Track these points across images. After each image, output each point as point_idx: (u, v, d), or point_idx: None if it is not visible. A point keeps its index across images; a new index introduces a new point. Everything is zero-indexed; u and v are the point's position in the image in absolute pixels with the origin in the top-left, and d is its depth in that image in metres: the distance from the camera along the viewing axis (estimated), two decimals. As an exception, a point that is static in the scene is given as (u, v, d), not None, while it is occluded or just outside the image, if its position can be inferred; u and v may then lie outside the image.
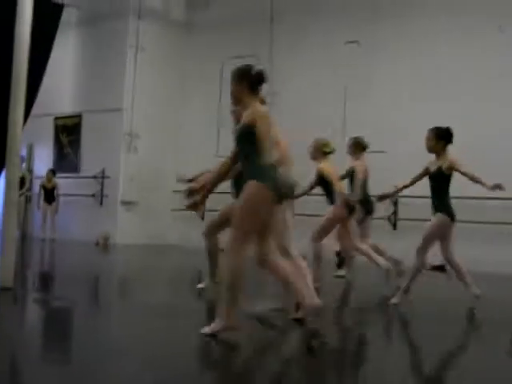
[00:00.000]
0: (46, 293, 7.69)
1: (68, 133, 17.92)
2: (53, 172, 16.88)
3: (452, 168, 7.05)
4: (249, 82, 5.43)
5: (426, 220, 12.60)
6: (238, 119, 6.23)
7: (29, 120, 13.61)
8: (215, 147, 16.92)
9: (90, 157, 17.23)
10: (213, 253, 7.53)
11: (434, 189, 7.20)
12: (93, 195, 16.95)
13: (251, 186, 5.00)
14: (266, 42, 16.09)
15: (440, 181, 7.14)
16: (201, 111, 17.27)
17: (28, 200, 18.44)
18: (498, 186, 6.97)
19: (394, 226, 13.94)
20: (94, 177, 16.90)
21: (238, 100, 5.53)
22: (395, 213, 13.88)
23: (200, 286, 7.64)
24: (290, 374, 4.15)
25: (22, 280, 8.28)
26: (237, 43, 16.51)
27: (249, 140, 5.13)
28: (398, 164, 13.73)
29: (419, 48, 13.98)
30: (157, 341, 4.91)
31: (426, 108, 13.59)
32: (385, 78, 14.26)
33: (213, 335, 4.79)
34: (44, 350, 4.48)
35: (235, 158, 5.48)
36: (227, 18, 16.86)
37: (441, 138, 7.20)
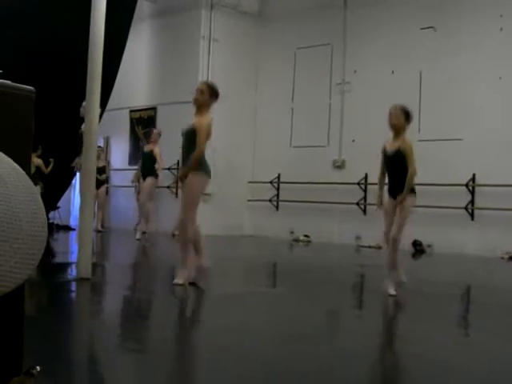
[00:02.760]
0: (125, 283, 7.80)
1: (143, 125, 18.15)
2: None
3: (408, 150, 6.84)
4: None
5: (505, 209, 12.35)
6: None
7: (105, 113, 13.94)
8: (289, 138, 16.92)
9: (165, 149, 17.41)
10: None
11: (396, 169, 6.92)
12: (168, 187, 17.15)
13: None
14: (340, 31, 15.97)
15: (401, 161, 6.86)
16: (275, 102, 17.26)
17: (106, 192, 18.77)
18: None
19: (472, 216, 13.64)
20: (169, 169, 17.09)
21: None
22: (472, 202, 13.58)
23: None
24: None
25: (101, 271, 8.44)
26: (310, 33, 16.45)
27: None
28: (474, 151, 13.47)
29: (496, 32, 13.58)
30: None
31: (502, 95, 13.25)
32: (461, 64, 13.93)
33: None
34: (121, 339, 4.54)
35: None
36: (299, 7, 16.78)
37: (407, 117, 7.00)
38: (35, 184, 15.34)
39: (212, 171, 7.25)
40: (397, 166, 6.86)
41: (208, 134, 6.91)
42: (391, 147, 6.96)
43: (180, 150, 7.29)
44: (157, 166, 13.73)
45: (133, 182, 15.39)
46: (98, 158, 14.74)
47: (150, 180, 13.69)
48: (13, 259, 1.04)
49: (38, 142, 14.89)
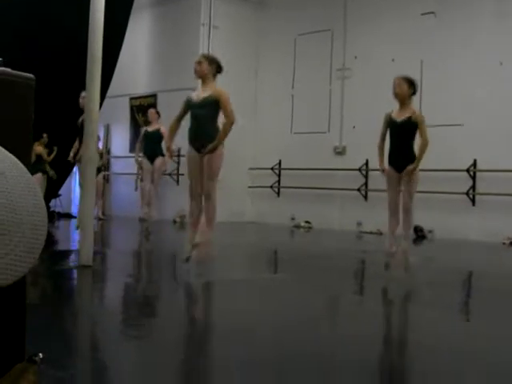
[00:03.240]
0: (126, 270, 7.82)
1: (144, 113, 18.12)
2: None
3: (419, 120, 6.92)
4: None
5: (506, 194, 12.35)
6: None
7: (105, 101, 13.91)
8: (290, 124, 16.90)
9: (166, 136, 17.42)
10: None
11: (405, 138, 6.97)
12: (169, 174, 17.14)
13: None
14: (340, 17, 15.92)
15: (411, 130, 6.93)
16: (275, 88, 17.23)
17: (106, 180, 18.78)
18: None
19: (473, 202, 13.64)
20: (171, 156, 17.08)
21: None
22: (474, 187, 13.58)
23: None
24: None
25: (102, 258, 8.45)
26: (310, 18, 16.40)
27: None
28: (475, 136, 13.46)
29: (497, 18, 13.53)
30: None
31: (503, 80, 13.23)
32: (461, 50, 13.88)
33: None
34: (123, 326, 4.55)
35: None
36: (300, -7, 16.73)
37: (411, 86, 7.06)
38: (45, 172, 15.35)
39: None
40: (405, 135, 6.93)
41: None
42: (400, 116, 7.00)
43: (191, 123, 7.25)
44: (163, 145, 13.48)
45: (139, 169, 14.88)
46: None
47: (160, 160, 13.29)
48: (13, 252, 1.04)
49: (42, 130, 14.88)
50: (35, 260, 1.12)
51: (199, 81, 7.34)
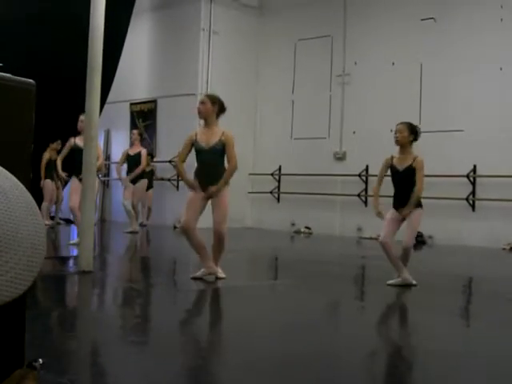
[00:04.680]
0: (126, 276, 7.82)
1: (144, 118, 18.15)
2: (151, 156, 17.02)
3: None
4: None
5: (506, 200, 12.35)
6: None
7: (105, 106, 13.93)
8: (290, 130, 16.91)
9: (166, 141, 17.43)
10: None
11: (407, 185, 7.06)
12: (169, 179, 17.16)
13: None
14: (340, 23, 15.94)
15: (413, 177, 7.02)
16: (275, 94, 17.25)
17: (106, 185, 18.80)
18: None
19: (473, 207, 13.64)
20: (170, 161, 17.09)
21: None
22: (473, 193, 13.58)
23: None
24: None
25: (102, 264, 8.45)
26: (310, 24, 16.43)
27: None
28: (475, 142, 13.46)
29: (496, 23, 13.55)
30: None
31: (503, 86, 13.24)
32: (461, 55, 13.90)
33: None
34: (123, 331, 4.55)
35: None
36: (299, -1, 16.77)
37: (413, 132, 7.13)
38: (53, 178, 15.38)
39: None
40: (406, 182, 7.03)
41: None
42: (401, 164, 7.10)
43: (199, 166, 7.25)
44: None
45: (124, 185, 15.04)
46: None
47: (142, 183, 13.85)
48: (13, 270, 1.06)
49: (56, 136, 14.90)
50: (34, 278, 1.14)
51: (201, 121, 7.33)
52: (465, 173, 13.53)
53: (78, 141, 10.32)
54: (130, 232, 13.58)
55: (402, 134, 7.14)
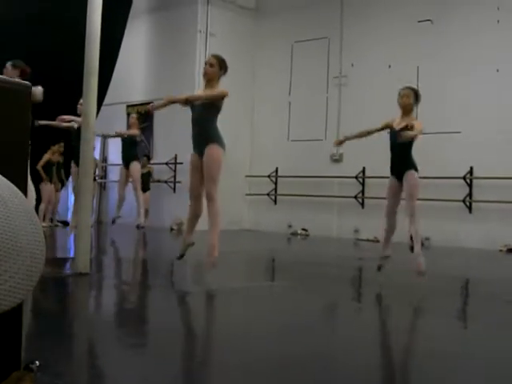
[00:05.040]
0: (124, 278, 7.80)
1: (140, 120, 18.13)
2: (148, 158, 16.99)
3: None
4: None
5: (502, 202, 12.36)
6: None
7: (102, 108, 13.93)
8: (286, 132, 16.92)
9: (163, 144, 17.43)
10: None
11: (402, 145, 7.05)
12: (166, 181, 17.14)
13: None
14: (337, 25, 15.96)
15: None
16: (272, 96, 17.26)
17: (103, 187, 18.78)
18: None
19: (470, 209, 13.65)
20: (167, 163, 17.09)
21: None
22: (470, 195, 13.59)
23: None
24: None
25: (99, 266, 8.44)
26: (306, 26, 16.46)
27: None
28: (471, 144, 13.47)
29: (493, 25, 13.57)
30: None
31: (500, 87, 13.26)
32: (458, 57, 13.92)
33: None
34: (120, 333, 4.54)
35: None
36: (296, 0, 16.77)
37: (417, 97, 7.23)
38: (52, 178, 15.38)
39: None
40: (403, 143, 7.00)
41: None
42: (399, 125, 7.12)
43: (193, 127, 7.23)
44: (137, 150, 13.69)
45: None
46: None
47: (136, 165, 13.50)
48: (13, 279, 1.05)
49: (59, 137, 14.87)
50: (32, 287, 1.13)
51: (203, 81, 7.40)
52: (462, 174, 13.55)
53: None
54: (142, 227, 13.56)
55: (408, 99, 7.18)
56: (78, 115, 10.37)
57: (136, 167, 13.45)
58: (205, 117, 7.09)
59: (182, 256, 7.60)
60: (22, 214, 1.12)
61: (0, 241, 1.05)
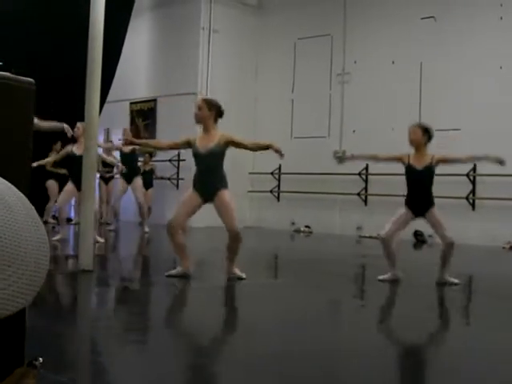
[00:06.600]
0: (125, 275, 7.81)
1: (144, 117, 18.14)
2: (150, 155, 16.95)
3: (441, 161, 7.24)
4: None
5: (506, 199, 12.34)
6: None
7: (105, 105, 13.92)
8: (290, 129, 16.91)
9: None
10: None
11: (426, 185, 7.10)
12: (169, 178, 17.15)
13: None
14: (340, 21, 15.93)
15: (432, 177, 7.15)
16: (275, 93, 17.24)
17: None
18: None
19: (473, 206, 13.64)
20: (170, 160, 17.09)
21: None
22: (473, 192, 13.57)
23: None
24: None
25: (102, 263, 8.45)
26: (310, 23, 16.42)
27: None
28: (474, 141, 13.45)
29: (496, 22, 13.54)
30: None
31: (503, 84, 13.24)
32: (461, 54, 13.89)
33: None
34: (123, 330, 4.55)
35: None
36: (299, -3, 16.76)
37: (426, 132, 7.21)
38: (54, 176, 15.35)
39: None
40: (426, 181, 7.09)
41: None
42: (420, 163, 7.14)
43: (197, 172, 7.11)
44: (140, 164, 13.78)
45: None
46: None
47: (139, 180, 13.63)
48: (16, 284, 1.06)
49: (56, 138, 14.83)
50: (35, 293, 1.14)
51: (200, 126, 7.19)
52: (465, 172, 13.52)
53: (75, 149, 10.30)
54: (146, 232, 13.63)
55: (414, 135, 7.17)
56: (75, 139, 10.31)
57: (138, 183, 13.61)
58: (213, 167, 6.96)
59: (171, 276, 6.97)
60: (27, 219, 1.12)
61: (5, 246, 1.05)
